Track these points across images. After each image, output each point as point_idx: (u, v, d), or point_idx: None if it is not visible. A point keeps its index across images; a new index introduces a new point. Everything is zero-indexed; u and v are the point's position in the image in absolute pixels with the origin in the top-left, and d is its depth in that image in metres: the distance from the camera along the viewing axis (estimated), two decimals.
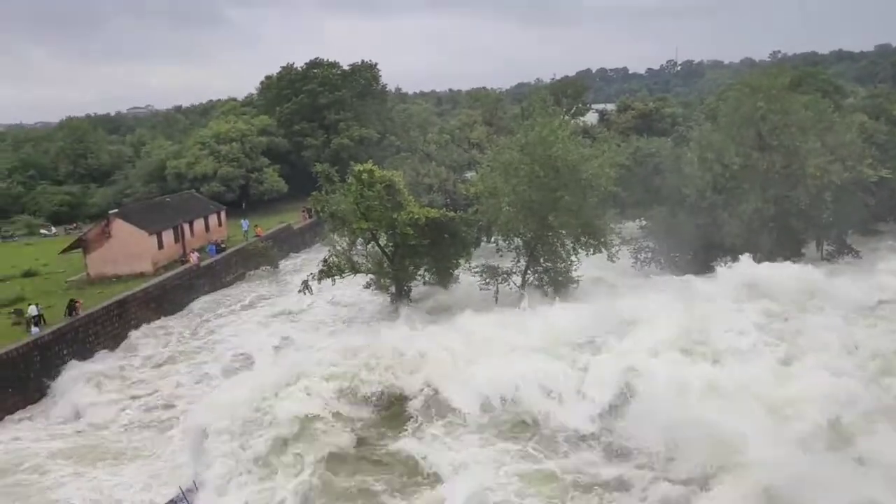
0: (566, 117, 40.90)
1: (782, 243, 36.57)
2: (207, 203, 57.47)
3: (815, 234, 38.74)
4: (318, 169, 36.83)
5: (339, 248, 37.15)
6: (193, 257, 45.92)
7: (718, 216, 37.10)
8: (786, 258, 35.47)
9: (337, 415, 21.78)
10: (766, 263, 32.52)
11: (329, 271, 35.23)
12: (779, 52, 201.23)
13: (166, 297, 40.14)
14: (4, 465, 23.77)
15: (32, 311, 33.46)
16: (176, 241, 49.13)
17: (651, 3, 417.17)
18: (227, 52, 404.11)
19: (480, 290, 35.31)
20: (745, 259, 32.62)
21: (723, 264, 33.98)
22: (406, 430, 22.04)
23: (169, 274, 42.20)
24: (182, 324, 38.54)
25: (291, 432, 20.72)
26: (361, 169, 34.57)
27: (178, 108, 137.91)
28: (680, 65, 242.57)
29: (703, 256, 37.80)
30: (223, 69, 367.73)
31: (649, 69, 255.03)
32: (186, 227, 50.77)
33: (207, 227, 53.75)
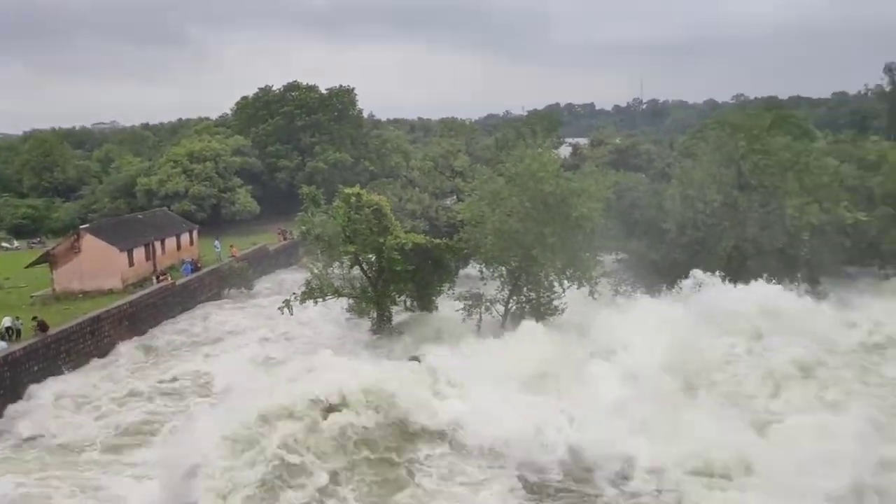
0: (552, 151, 41.19)
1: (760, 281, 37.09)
2: (180, 221, 56.54)
3: (791, 273, 39.40)
4: (305, 191, 36.57)
5: (316, 270, 36.80)
6: (164, 278, 45.01)
7: (698, 253, 37.62)
8: None
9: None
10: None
11: (311, 293, 34.82)
12: (741, 94, 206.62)
13: (140, 315, 39.16)
14: None
15: (6, 322, 32.36)
16: (147, 258, 48.18)
17: (614, 40, 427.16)
18: (191, 71, 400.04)
19: (463, 321, 35.13)
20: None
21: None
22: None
23: (143, 292, 41.23)
24: (158, 342, 37.63)
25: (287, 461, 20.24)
26: (350, 192, 34.43)
27: (146, 126, 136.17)
28: (646, 103, 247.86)
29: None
30: (187, 88, 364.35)
31: (616, 106, 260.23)
32: (158, 244, 49.84)
33: (179, 246, 52.81)
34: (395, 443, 22.38)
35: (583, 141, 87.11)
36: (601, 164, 56.09)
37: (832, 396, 25.16)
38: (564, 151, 70.64)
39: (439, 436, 23.06)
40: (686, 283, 34.79)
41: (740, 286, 33.52)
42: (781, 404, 24.99)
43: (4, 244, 66.66)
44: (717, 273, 34.72)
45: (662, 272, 38.42)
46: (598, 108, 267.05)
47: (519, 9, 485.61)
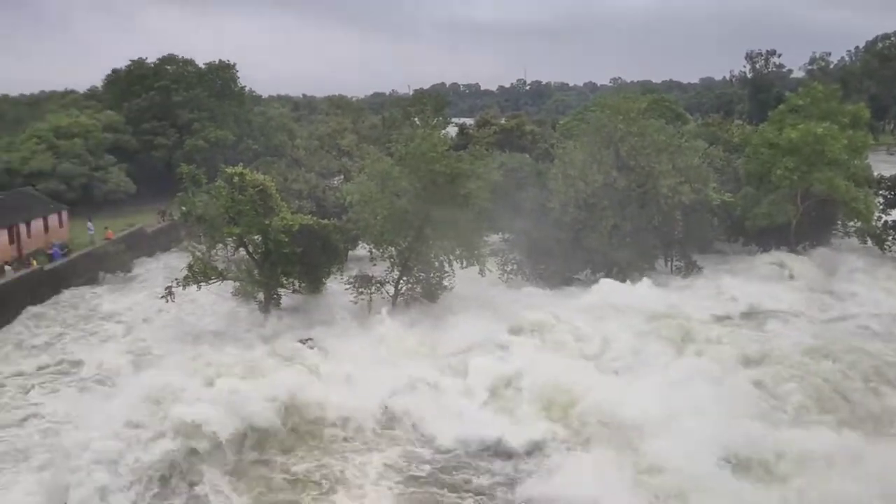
0: (441, 131, 41.47)
1: (638, 258, 39.02)
2: (47, 202, 52.91)
3: (666, 250, 41.62)
4: (184, 170, 35.01)
5: (199, 253, 35.55)
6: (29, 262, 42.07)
7: (581, 231, 39.01)
8: (640, 272, 38.19)
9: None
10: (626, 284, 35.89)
11: (194, 277, 33.52)
12: (619, 78, 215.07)
13: (4, 304, 36.41)
14: None
15: None
16: (10, 242, 44.92)
17: (498, 21, 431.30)
18: (36, 37, 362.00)
19: (354, 302, 34.96)
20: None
21: (583, 277, 36.53)
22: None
23: (6, 280, 38.35)
24: (25, 332, 35.16)
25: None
26: (233, 172, 33.41)
27: (5, 98, 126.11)
28: (529, 84, 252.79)
29: (566, 269, 39.62)
30: (36, 56, 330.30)
31: (500, 86, 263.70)
32: (23, 227, 46.55)
33: (47, 228, 49.47)
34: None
35: (469, 121, 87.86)
36: (488, 144, 57.06)
37: None
38: (451, 131, 71.20)
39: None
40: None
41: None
42: None
43: None
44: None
45: (549, 252, 39.65)
46: (483, 88, 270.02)
47: None
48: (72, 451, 19.75)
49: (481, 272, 35.15)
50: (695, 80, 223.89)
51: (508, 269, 40.32)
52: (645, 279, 36.72)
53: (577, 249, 39.29)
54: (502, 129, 65.09)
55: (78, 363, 30.55)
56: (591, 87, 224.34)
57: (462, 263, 35.10)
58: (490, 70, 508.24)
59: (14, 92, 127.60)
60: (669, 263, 42.19)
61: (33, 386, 28.19)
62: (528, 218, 41.07)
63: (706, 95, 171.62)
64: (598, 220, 38.78)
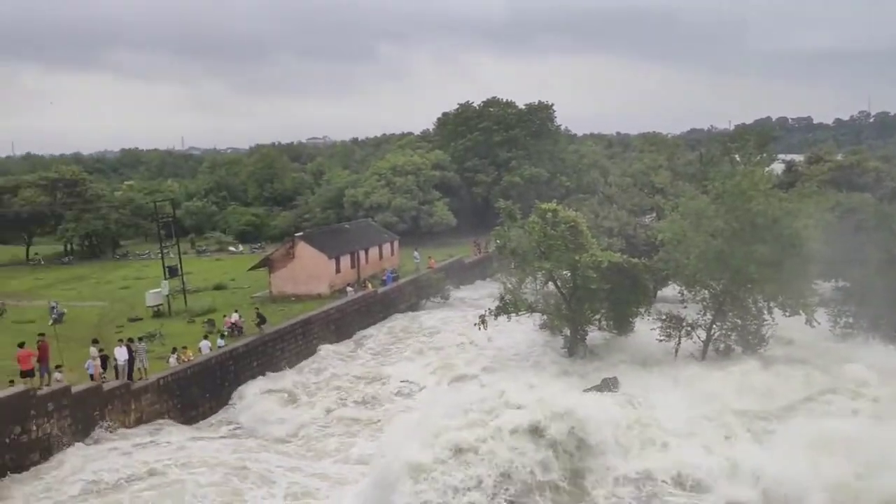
0: (764, 168, 38.58)
1: None
2: (383, 232, 59.46)
3: None
4: (501, 205, 36.94)
5: (510, 285, 36.92)
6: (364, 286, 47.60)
7: None
8: None
9: None
10: None
11: (505, 308, 35.00)
12: None
13: (345, 319, 41.59)
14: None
15: (234, 317, 36.90)
16: (352, 266, 51.09)
17: (835, 47, 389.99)
18: (381, 86, 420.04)
19: (661, 341, 33.65)
20: None
21: None
22: None
23: (348, 298, 43.69)
24: (361, 346, 39.94)
25: None
26: (546, 208, 34.32)
27: (355, 140, 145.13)
28: (874, 116, 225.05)
29: None
30: (381, 103, 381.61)
31: (837, 119, 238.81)
32: (362, 253, 52.69)
33: (381, 255, 55.50)
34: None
35: (798, 157, 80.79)
36: (820, 182, 51.84)
37: None
38: (777, 168, 66.02)
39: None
40: None
41: None
42: None
43: (231, 248, 74.01)
44: None
45: (893, 303, 34.51)
46: (816, 121, 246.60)
47: (715, 15, 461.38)
48: (391, 458, 21.47)
49: (808, 322, 31.66)
50: None
51: (842, 322, 35.86)
52: None
53: None
54: (838, 166, 58.80)
55: (406, 375, 34.16)
56: None
57: (785, 311, 32.00)
58: (825, 102, 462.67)
59: (362, 135, 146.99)
60: None
61: (371, 397, 31.98)
62: (869, 265, 36.22)
63: None
64: None
